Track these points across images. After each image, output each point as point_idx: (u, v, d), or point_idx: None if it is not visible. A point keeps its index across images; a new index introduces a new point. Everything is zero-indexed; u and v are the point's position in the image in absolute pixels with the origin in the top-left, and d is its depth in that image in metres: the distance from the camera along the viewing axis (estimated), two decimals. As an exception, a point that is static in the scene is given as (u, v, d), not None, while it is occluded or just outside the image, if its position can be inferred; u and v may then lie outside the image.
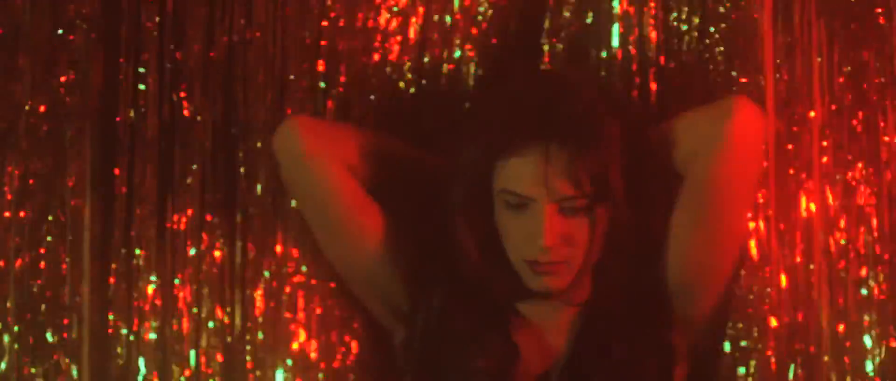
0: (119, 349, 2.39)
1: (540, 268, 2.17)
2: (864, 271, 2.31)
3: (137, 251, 2.40)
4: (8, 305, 2.37)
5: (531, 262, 2.18)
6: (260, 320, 2.39)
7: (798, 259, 2.32)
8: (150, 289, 2.39)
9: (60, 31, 2.43)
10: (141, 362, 2.38)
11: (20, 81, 2.42)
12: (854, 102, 2.35)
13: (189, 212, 2.40)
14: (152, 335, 2.38)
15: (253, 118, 2.41)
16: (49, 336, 2.38)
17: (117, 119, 2.42)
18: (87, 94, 2.42)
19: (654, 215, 2.22)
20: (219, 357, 2.38)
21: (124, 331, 2.39)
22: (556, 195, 2.14)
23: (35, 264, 2.39)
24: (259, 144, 2.39)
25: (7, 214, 2.39)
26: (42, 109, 2.42)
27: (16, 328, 2.37)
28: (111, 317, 2.39)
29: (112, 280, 2.39)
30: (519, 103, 2.19)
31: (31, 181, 2.41)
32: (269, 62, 2.42)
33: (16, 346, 2.37)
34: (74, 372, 2.38)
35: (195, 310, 2.39)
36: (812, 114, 2.33)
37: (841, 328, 2.29)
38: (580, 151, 2.13)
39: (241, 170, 2.41)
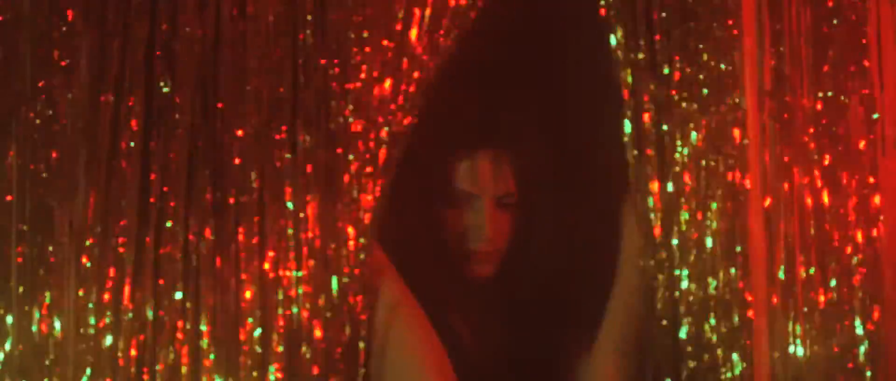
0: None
1: (480, 256, 2.33)
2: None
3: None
4: (11, 283, 2.42)
5: (471, 252, 2.36)
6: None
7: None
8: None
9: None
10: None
11: (21, 68, 2.45)
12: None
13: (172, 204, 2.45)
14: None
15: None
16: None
17: (101, 99, 2.45)
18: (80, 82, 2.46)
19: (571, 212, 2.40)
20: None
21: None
22: (497, 193, 2.41)
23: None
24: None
25: (9, 197, 2.43)
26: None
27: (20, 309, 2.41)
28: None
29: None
30: (473, 112, 2.33)
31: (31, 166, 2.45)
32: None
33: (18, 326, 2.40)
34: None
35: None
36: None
37: None
38: (520, 155, 2.42)
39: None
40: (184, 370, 2.39)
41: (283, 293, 2.41)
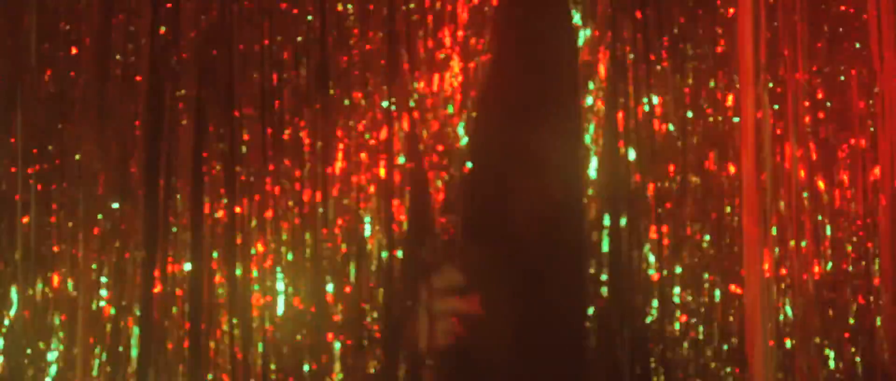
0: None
1: None
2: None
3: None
4: (17, 256, 2.46)
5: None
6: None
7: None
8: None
9: None
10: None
11: (26, 40, 2.48)
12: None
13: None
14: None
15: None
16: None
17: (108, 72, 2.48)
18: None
19: None
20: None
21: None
22: None
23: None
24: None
25: (13, 169, 2.47)
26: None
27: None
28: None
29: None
30: None
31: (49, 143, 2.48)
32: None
33: (23, 296, 2.45)
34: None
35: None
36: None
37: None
38: None
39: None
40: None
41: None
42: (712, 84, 2.46)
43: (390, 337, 2.40)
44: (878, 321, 2.42)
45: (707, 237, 2.45)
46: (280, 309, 2.44)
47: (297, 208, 2.45)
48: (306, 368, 2.42)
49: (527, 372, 2.46)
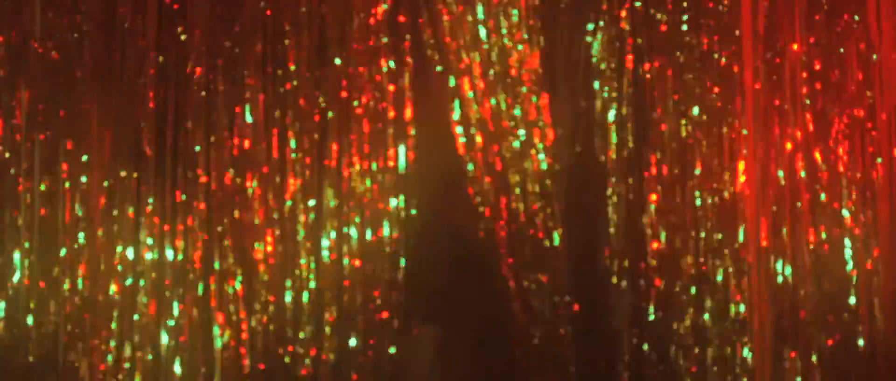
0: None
1: None
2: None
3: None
4: (19, 223, 2.47)
5: None
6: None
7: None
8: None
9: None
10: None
11: (29, 5, 2.49)
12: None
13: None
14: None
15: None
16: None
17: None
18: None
19: None
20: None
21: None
22: None
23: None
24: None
25: (18, 137, 2.48)
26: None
27: (26, 244, 2.47)
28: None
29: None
30: None
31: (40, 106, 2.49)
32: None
33: (26, 261, 2.47)
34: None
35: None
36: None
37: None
38: None
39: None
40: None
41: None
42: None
43: None
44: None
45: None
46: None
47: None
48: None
49: None
